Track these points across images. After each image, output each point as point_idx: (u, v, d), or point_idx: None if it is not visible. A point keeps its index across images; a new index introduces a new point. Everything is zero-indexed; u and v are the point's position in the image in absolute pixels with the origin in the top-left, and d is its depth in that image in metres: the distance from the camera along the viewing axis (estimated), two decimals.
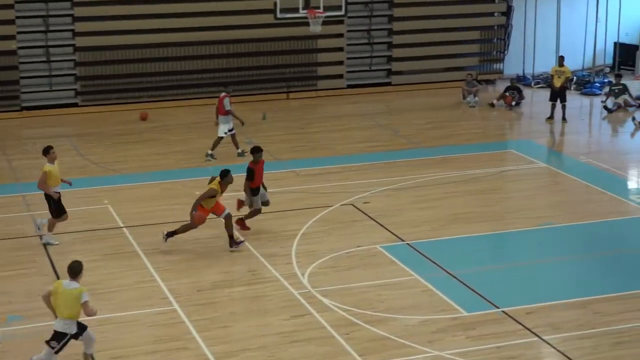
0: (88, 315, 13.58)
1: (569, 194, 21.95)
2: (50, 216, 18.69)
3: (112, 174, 23.39)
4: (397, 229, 19.51)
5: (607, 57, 34.23)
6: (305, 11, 27.05)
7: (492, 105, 29.83)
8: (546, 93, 29.46)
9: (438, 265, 17.76)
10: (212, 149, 24.32)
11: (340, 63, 31.78)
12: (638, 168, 24.36)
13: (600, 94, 31.20)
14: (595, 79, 32.63)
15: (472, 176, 22.90)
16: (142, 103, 29.58)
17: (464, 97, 30.27)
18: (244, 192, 19.14)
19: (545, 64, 32.59)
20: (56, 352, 13.56)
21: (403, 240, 18.96)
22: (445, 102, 30.41)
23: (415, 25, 32.32)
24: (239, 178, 18.91)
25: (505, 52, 33.55)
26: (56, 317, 13.59)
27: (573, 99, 30.15)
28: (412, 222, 19.93)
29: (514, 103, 29.72)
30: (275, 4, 26.81)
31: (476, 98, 30.07)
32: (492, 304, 16.17)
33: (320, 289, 16.71)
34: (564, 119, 28.11)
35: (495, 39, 33.34)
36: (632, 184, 23.03)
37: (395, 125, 27.82)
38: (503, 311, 15.88)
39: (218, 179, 18.36)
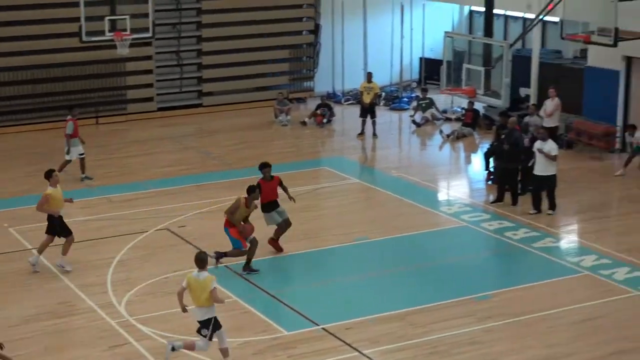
0: (215, 302, 14.24)
1: (382, 208, 22.48)
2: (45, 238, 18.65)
3: None
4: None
5: (413, 73, 35.27)
6: (111, 34, 26.75)
7: (304, 123, 30.27)
8: (356, 109, 30.06)
9: (257, 286, 17.88)
10: (59, 171, 23.77)
11: (150, 86, 31.62)
12: (447, 180, 25.17)
13: (408, 108, 32.06)
14: (403, 94, 33.54)
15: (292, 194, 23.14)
16: None
17: (276, 116, 30.59)
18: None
19: (354, 81, 33.26)
20: (210, 339, 14.44)
21: (221, 263, 19.00)
22: (258, 122, 30.66)
23: (224, 46, 32.51)
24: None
25: (315, 70, 34.11)
26: (184, 311, 14.65)
27: (382, 114, 30.93)
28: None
29: (325, 120, 30.24)
30: (80, 27, 26.42)
31: (288, 117, 30.44)
32: (312, 321, 16.40)
33: (138, 317, 16.56)
34: (374, 134, 28.77)
35: (304, 57, 33.87)
36: (442, 196, 23.79)
37: (208, 147, 27.87)
38: (323, 328, 16.13)
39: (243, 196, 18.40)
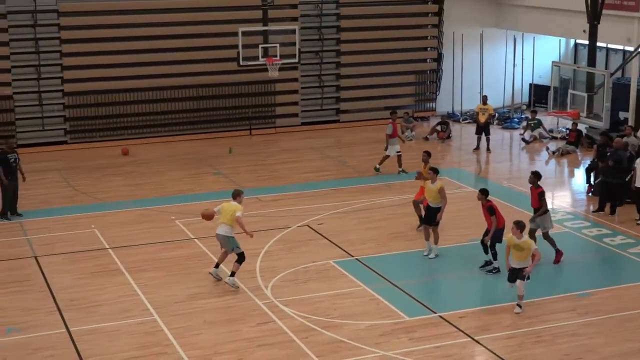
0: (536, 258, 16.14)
1: None
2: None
3: (98, 202, 23.21)
4: (347, 246, 19.53)
5: (523, 96, 34.66)
6: (264, 59, 27.15)
7: (427, 138, 30.04)
8: (472, 128, 29.70)
9: (382, 277, 17.79)
10: (380, 164, 25.59)
11: (295, 104, 31.87)
12: (552, 191, 24.55)
13: (518, 128, 31.54)
14: (514, 115, 32.99)
15: (410, 200, 22.95)
16: (123, 140, 29.46)
17: (402, 132, 30.42)
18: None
19: (471, 103, 32.93)
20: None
21: (352, 256, 18.97)
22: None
23: (359, 71, 32.54)
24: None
25: (437, 92, 33.84)
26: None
27: (495, 132, 30.46)
28: (359, 240, 19.97)
29: (446, 136, 29.96)
30: (238, 53, 26.86)
31: (413, 132, 30.27)
32: (430, 309, 16.22)
33: (281, 300, 16.66)
34: (488, 149, 28.40)
35: (428, 81, 33.63)
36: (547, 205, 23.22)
37: (344, 157, 27.91)
38: (440, 316, 15.94)
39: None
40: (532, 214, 18.89)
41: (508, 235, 16.36)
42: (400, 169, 25.31)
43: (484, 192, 17.94)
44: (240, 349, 14.75)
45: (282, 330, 15.37)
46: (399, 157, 25.30)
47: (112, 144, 29.21)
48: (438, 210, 18.71)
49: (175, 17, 30.07)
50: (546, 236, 18.69)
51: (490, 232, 17.79)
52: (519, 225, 15.98)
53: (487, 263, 18.10)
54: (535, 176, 18.57)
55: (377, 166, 25.45)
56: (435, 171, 18.96)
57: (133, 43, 29.64)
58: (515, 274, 16.02)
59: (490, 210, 17.80)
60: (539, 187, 18.54)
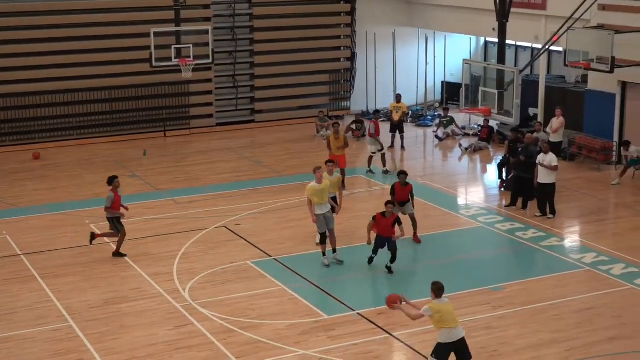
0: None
1: None
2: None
3: (9, 207, 22.73)
4: (265, 246, 19.55)
5: (436, 94, 35.13)
6: (177, 60, 26.94)
7: None
8: (387, 126, 29.95)
9: (301, 276, 17.86)
10: (369, 166, 25.57)
11: (210, 104, 31.73)
12: (465, 187, 25.03)
13: (432, 125, 31.94)
14: (427, 113, 33.41)
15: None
16: (35, 144, 28.89)
17: (318, 131, 30.58)
18: None
19: (385, 101, 33.23)
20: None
21: (270, 256, 19.00)
22: (302, 136, 30.66)
23: (273, 71, 32.56)
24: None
25: (351, 91, 34.06)
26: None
27: (409, 130, 30.81)
28: (277, 240, 20.00)
29: (361, 135, 30.16)
30: (150, 54, 26.60)
31: (328, 131, 30.30)
32: (348, 307, 16.34)
33: (200, 302, 16.59)
34: (402, 147, 28.71)
35: (342, 80, 33.83)
36: (461, 201, 23.64)
37: (259, 157, 27.89)
38: (358, 313, 16.07)
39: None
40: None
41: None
42: (384, 169, 25.49)
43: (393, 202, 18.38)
44: (158, 352, 14.64)
45: (201, 332, 15.30)
46: (383, 156, 25.46)
47: (23, 148, 28.62)
48: (334, 199, 19.37)
49: (86, 19, 29.64)
50: (413, 217, 19.89)
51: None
52: (432, 288, 13.28)
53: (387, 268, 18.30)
54: (405, 175, 19.80)
55: (369, 168, 25.50)
56: (333, 162, 19.54)
57: (43, 45, 29.11)
58: None
59: (398, 221, 18.04)
60: (408, 184, 19.72)
